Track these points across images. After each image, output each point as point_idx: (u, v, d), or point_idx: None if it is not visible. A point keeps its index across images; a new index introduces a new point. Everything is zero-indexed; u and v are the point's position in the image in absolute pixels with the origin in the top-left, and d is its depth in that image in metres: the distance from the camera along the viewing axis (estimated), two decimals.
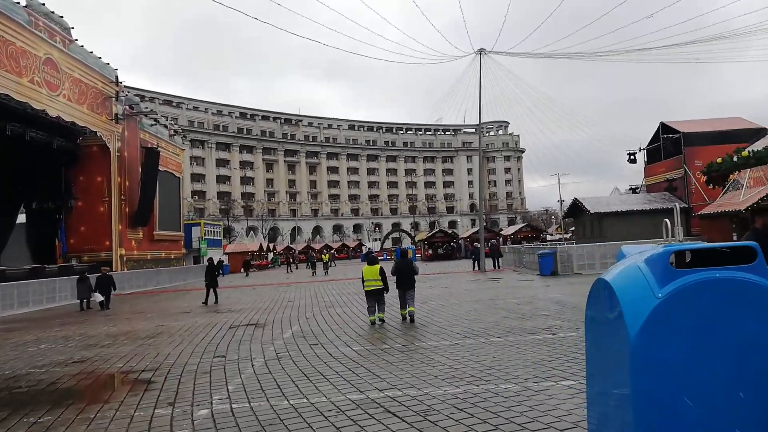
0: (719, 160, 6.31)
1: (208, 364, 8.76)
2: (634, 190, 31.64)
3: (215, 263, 21.82)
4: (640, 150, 31.51)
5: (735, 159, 5.73)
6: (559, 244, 36.63)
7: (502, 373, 6.90)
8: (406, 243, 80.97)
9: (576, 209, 29.05)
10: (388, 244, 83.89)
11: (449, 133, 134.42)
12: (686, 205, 26.67)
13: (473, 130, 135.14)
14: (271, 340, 10.93)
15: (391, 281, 12.37)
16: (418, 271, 13.24)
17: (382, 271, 12.29)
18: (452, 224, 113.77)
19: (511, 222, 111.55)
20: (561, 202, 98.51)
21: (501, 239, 29.31)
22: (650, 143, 31.03)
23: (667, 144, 28.13)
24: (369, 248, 49.93)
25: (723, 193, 24.79)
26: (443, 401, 5.84)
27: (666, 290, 3.06)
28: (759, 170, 24.41)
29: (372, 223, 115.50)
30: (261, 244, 62.48)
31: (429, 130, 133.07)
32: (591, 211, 26.96)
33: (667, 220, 3.63)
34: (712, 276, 3.05)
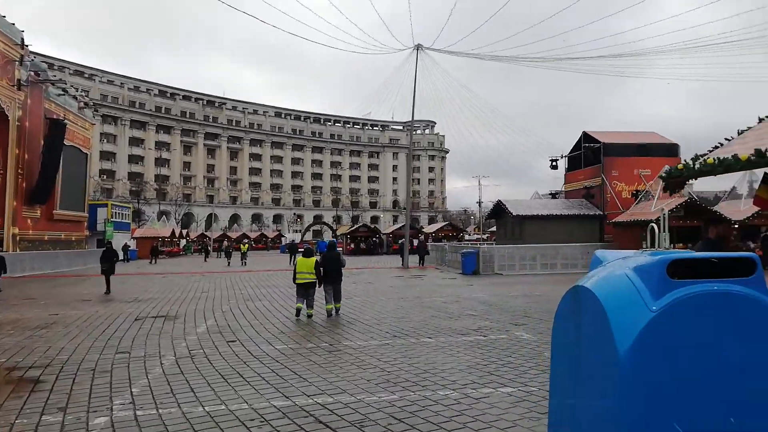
0: (680, 166, 6.22)
1: (109, 362, 7.76)
2: (553, 195, 32.85)
3: (114, 248, 19.90)
4: (561, 157, 32.70)
5: (696, 166, 5.71)
6: (480, 244, 37.41)
7: (438, 377, 6.52)
8: (328, 236, 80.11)
9: (499, 211, 29.66)
10: (309, 236, 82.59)
11: (377, 128, 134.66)
12: (601, 213, 27.90)
13: (401, 128, 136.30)
14: (183, 334, 9.99)
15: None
16: (345, 263, 12.89)
17: (317, 265, 11.96)
18: (375, 219, 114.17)
19: (432, 220, 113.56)
20: (480, 203, 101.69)
21: (422, 237, 29.51)
22: (572, 151, 32.27)
23: (587, 153, 29.34)
24: (293, 240, 48.70)
25: (636, 203, 26.20)
26: (379, 410, 5.35)
27: (661, 303, 2.71)
28: (655, 185, 25.98)
29: (294, 214, 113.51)
30: (173, 230, 59.27)
31: (357, 124, 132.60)
32: (513, 214, 27.58)
33: (654, 225, 3.32)
34: (709, 289, 2.74)
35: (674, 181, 5.14)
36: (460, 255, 24.66)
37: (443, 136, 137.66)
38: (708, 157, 4.52)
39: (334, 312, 11.96)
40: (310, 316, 11.79)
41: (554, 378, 3.45)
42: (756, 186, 27.19)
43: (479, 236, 72.27)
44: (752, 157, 4.52)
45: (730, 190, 27.80)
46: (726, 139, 5.38)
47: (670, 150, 29.05)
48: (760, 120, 5.26)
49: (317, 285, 12.03)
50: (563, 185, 33.02)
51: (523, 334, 9.23)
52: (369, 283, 20.21)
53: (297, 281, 11.95)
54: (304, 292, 11.89)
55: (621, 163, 28.55)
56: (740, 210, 24.16)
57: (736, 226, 23.87)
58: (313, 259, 12.28)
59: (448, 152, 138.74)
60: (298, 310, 11.90)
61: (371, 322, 10.92)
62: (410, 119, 31.40)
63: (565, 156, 32.80)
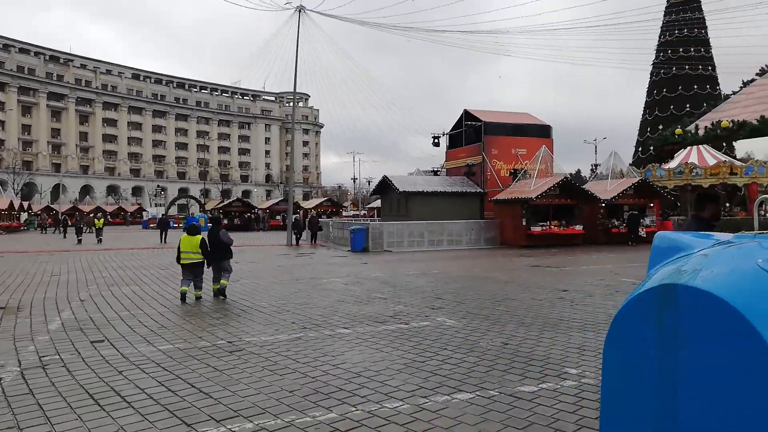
0: (678, 131, 5.60)
1: None
2: (435, 173, 33.15)
3: None
4: (443, 134, 32.92)
5: (701, 132, 5.19)
6: (363, 220, 36.80)
7: (376, 383, 5.43)
8: (195, 210, 74.94)
9: (385, 186, 29.12)
10: (174, 210, 76.65)
11: (248, 98, 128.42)
12: (482, 190, 28.49)
13: (273, 98, 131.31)
14: (29, 333, 7.86)
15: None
16: (233, 241, 11.41)
17: (203, 243, 10.65)
18: (246, 194, 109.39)
19: (306, 196, 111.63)
20: (355, 179, 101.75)
21: (314, 212, 28.06)
22: (453, 129, 32.58)
23: (469, 131, 29.72)
24: (163, 214, 44.35)
25: (515, 181, 27.04)
26: None
27: None
28: (543, 162, 27.14)
29: (157, 186, 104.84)
30: (12, 202, 51.30)
31: (226, 92, 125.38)
32: (399, 190, 27.18)
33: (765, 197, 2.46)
34: None
35: (668, 149, 4.50)
36: (348, 231, 23.70)
37: (317, 110, 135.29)
38: (723, 120, 3.85)
39: (219, 291, 10.90)
40: (198, 298, 10.60)
41: (617, 406, 2.48)
42: (619, 166, 29.44)
43: (355, 212, 72.27)
44: None
45: (595, 171, 29.79)
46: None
47: (543, 131, 30.41)
48: (744, 84, 4.78)
49: (205, 265, 10.81)
50: (444, 162, 33.37)
51: (446, 320, 8.46)
52: (254, 263, 18.50)
53: (182, 262, 10.72)
54: (190, 273, 10.67)
55: (500, 142, 29.32)
56: (606, 190, 25.94)
57: (603, 205, 25.62)
58: (199, 237, 10.81)
59: (322, 126, 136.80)
60: (183, 294, 10.56)
61: (271, 311, 9.51)
62: (290, 89, 29.61)
63: (447, 134, 33.09)
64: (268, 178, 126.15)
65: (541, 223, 24.70)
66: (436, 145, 32.75)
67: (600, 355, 6.33)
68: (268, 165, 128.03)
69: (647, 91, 56.94)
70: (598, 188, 25.98)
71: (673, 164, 34.04)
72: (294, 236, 26.67)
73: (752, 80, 4.75)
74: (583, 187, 25.97)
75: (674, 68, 53.73)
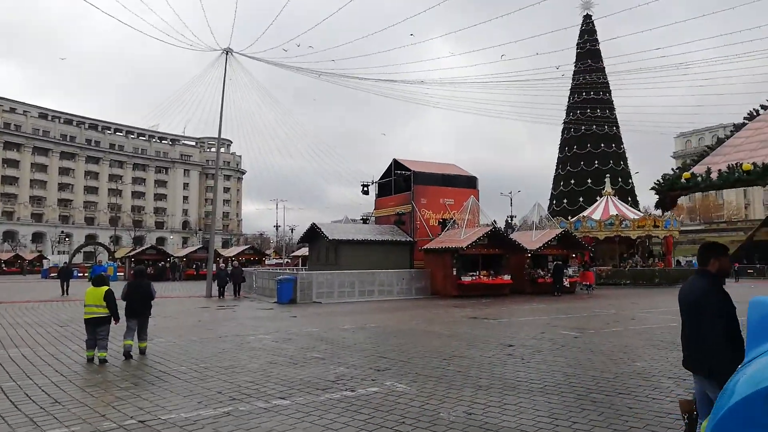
0: (687, 175, 5.10)
1: None
2: (364, 221, 32.62)
3: None
4: (372, 183, 32.65)
5: (713, 176, 4.79)
6: (288, 269, 35.32)
7: None
8: (104, 258, 69.64)
9: (313, 234, 28.14)
10: (80, 258, 70.86)
11: (166, 141, 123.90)
12: (412, 239, 28.18)
13: (194, 143, 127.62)
14: None
15: (121, 308, 9.59)
16: (156, 294, 10.22)
17: (108, 295, 9.29)
18: (161, 241, 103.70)
19: (226, 243, 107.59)
20: (277, 227, 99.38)
21: (237, 262, 26.23)
22: (382, 177, 32.43)
23: (399, 180, 29.61)
24: (65, 263, 40.33)
25: (445, 231, 26.96)
26: None
27: None
28: (471, 212, 27.35)
29: (61, 232, 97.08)
30: None
31: (143, 135, 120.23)
32: (329, 237, 26.29)
33: None
34: None
35: (673, 195, 4.07)
36: (275, 282, 22.36)
37: (240, 156, 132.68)
38: (744, 163, 3.46)
39: (138, 353, 9.78)
40: (103, 361, 9.23)
41: None
42: (545, 218, 30.27)
43: (278, 260, 70.02)
44: None
45: (522, 221, 30.48)
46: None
47: (470, 182, 30.91)
48: (736, 128, 4.52)
49: (112, 321, 9.53)
50: (374, 211, 33.01)
51: (396, 384, 7.59)
52: (170, 318, 16.75)
53: (84, 316, 9.47)
54: (92, 330, 9.33)
55: (429, 191, 29.41)
56: (532, 240, 26.43)
57: (529, 255, 26.01)
58: (105, 288, 9.48)
59: (244, 173, 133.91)
60: (90, 359, 9.29)
61: (192, 377, 8.23)
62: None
63: (376, 182, 32.87)
64: (185, 224, 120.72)
65: (471, 273, 24.59)
66: (366, 193, 32.39)
67: (573, 423, 5.72)
68: (185, 211, 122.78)
69: (559, 148, 60.30)
70: (524, 238, 26.43)
71: (596, 215, 35.65)
72: (217, 288, 24.80)
73: (743, 124, 4.54)
74: (510, 237, 26.29)
75: (583, 127, 57.41)
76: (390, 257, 27.17)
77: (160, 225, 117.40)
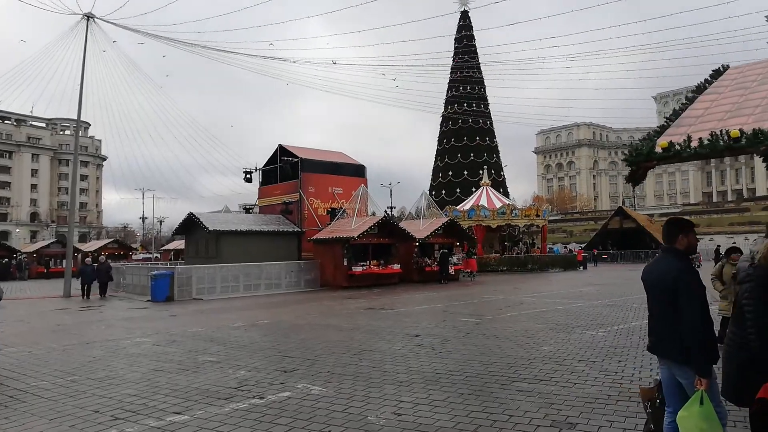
0: (663, 143, 4.57)
1: None
2: (247, 210, 30.86)
3: None
4: (256, 170, 31.01)
5: (694, 145, 4.44)
6: (160, 264, 32.56)
7: None
8: None
9: (191, 225, 26.02)
10: None
11: (9, 122, 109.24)
12: (300, 229, 27.21)
13: (44, 125, 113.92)
14: None
15: None
16: (2, 295, 8.48)
17: None
18: (4, 235, 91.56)
19: (84, 237, 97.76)
20: (144, 219, 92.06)
21: (103, 257, 22.79)
22: (267, 164, 30.93)
23: (285, 167, 28.37)
24: None
25: (335, 220, 26.31)
26: None
27: None
28: (360, 203, 27.00)
29: None
30: None
31: None
32: (209, 229, 24.44)
33: None
34: None
35: (647, 166, 3.76)
36: (148, 278, 20.24)
37: (99, 140, 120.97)
38: (732, 129, 3.21)
39: None
40: None
41: None
42: (430, 206, 30.74)
43: (146, 255, 64.96)
44: None
45: (401, 211, 30.68)
46: (667, 119, 4.33)
47: (359, 170, 30.57)
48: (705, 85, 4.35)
49: None
50: (257, 200, 31.38)
51: (310, 387, 6.83)
52: (22, 322, 14.33)
53: None
54: None
55: (317, 179, 28.57)
56: (420, 229, 26.71)
57: (417, 244, 26.25)
58: None
59: (105, 159, 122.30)
60: None
61: (57, 393, 6.80)
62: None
63: (260, 169, 31.30)
64: (34, 216, 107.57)
65: (361, 263, 24.24)
66: (249, 180, 30.67)
67: (510, 417, 5.39)
68: (34, 201, 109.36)
69: (438, 140, 62.29)
70: (412, 227, 26.60)
71: (466, 206, 37.06)
72: (81, 286, 21.82)
73: (694, 97, 4.42)
74: (400, 225, 26.31)
75: (460, 120, 59.74)
76: (277, 248, 25.97)
77: (2, 217, 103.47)
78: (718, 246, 35.11)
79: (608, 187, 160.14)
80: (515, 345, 9.37)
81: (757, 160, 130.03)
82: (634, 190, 79.95)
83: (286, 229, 27.05)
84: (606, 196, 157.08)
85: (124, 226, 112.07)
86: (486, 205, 36.43)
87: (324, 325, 12.46)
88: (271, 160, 30.55)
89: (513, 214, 35.70)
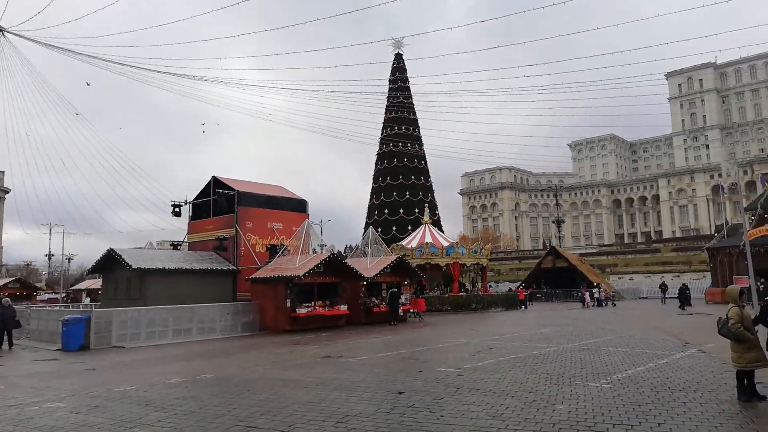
0: None
1: None
2: (175, 247, 28.09)
3: None
4: (186, 203, 28.48)
5: None
6: (71, 306, 28.89)
7: None
8: None
9: (110, 262, 23.12)
10: None
11: None
12: (236, 268, 24.94)
13: None
14: None
15: None
16: None
17: None
18: None
19: None
20: (51, 256, 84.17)
21: (6, 300, 19.13)
22: (198, 197, 28.53)
23: (221, 200, 26.14)
24: None
25: (276, 257, 24.26)
26: None
27: None
28: (295, 240, 25.17)
29: None
30: None
31: None
32: (132, 266, 21.74)
33: None
34: None
35: None
36: (59, 323, 17.29)
37: (2, 171, 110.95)
38: None
39: None
40: None
41: None
42: (377, 243, 29.32)
43: (51, 295, 59.02)
44: None
45: (355, 248, 29.14)
46: None
47: (300, 205, 28.89)
48: None
49: None
50: (187, 235, 28.72)
51: None
52: None
53: None
54: None
55: (255, 214, 26.56)
56: (367, 267, 25.20)
57: (365, 283, 24.69)
58: None
59: (8, 192, 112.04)
60: None
61: None
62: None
63: (191, 202, 28.81)
64: None
65: (306, 304, 22.33)
66: (177, 214, 28.11)
67: None
68: None
69: (373, 178, 61.70)
70: (359, 265, 25.04)
71: (413, 243, 36.10)
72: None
73: None
74: (347, 263, 24.66)
75: (395, 159, 59.54)
76: (209, 289, 23.55)
77: None
78: (663, 281, 36.01)
79: (529, 228, 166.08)
80: (522, 404, 8.03)
81: (663, 205, 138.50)
82: (559, 230, 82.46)
83: (220, 267, 24.69)
84: (528, 237, 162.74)
85: (27, 264, 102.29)
86: (434, 243, 35.62)
87: (282, 381, 10.58)
88: (203, 193, 28.22)
89: (460, 252, 35.08)
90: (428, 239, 35.82)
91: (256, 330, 21.72)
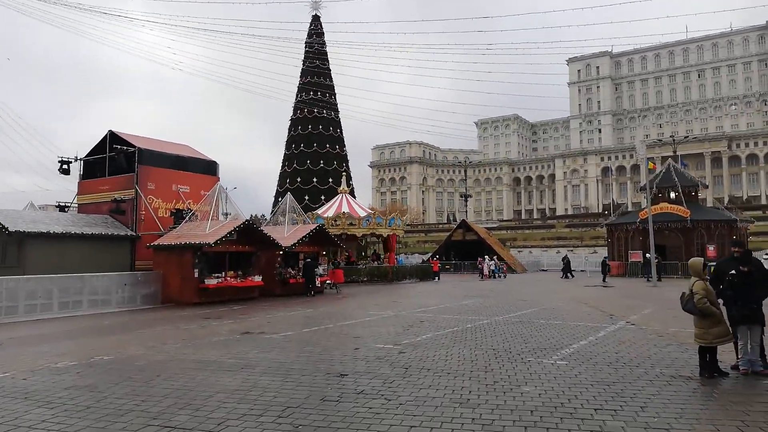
0: None
1: None
2: (62, 208, 24.65)
3: None
4: (76, 159, 25.11)
5: None
6: None
7: None
8: None
9: None
10: None
11: None
12: (135, 233, 22.38)
13: None
14: None
15: None
16: None
17: None
18: None
19: None
20: None
21: None
22: (91, 153, 25.27)
23: (119, 158, 23.18)
24: None
25: (183, 222, 21.96)
26: None
27: None
28: (205, 205, 23.08)
29: None
30: None
31: None
32: (10, 230, 18.71)
33: None
34: None
35: None
36: None
37: None
38: None
39: None
40: None
41: None
42: (295, 211, 27.64)
43: None
44: None
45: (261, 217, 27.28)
46: None
47: (210, 167, 26.51)
48: None
49: None
50: (77, 196, 25.38)
51: None
52: None
53: None
54: None
55: (158, 175, 23.95)
56: (285, 236, 23.63)
57: (281, 253, 23.15)
58: None
59: None
60: None
61: None
62: None
63: (83, 159, 25.47)
64: None
65: (216, 275, 20.47)
66: (65, 172, 24.77)
67: None
68: None
69: (286, 144, 59.14)
70: (275, 234, 23.38)
71: (329, 213, 34.78)
72: None
73: None
74: (263, 231, 22.84)
75: (310, 126, 57.40)
76: (103, 256, 20.97)
77: None
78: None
79: (435, 202, 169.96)
80: (485, 386, 7.22)
81: (558, 184, 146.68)
82: (466, 204, 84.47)
83: (116, 233, 22.02)
84: (433, 211, 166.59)
85: None
86: (351, 213, 34.46)
87: (199, 363, 9.08)
88: (98, 149, 25.00)
89: (377, 222, 34.29)
90: (345, 209, 34.64)
91: (158, 303, 19.57)
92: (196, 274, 19.73)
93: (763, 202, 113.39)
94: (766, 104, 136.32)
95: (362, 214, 35.18)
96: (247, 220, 21.87)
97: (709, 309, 7.38)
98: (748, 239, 44.51)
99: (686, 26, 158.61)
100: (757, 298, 7.52)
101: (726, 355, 8.12)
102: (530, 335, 11.69)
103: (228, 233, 19.89)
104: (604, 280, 32.10)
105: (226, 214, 23.51)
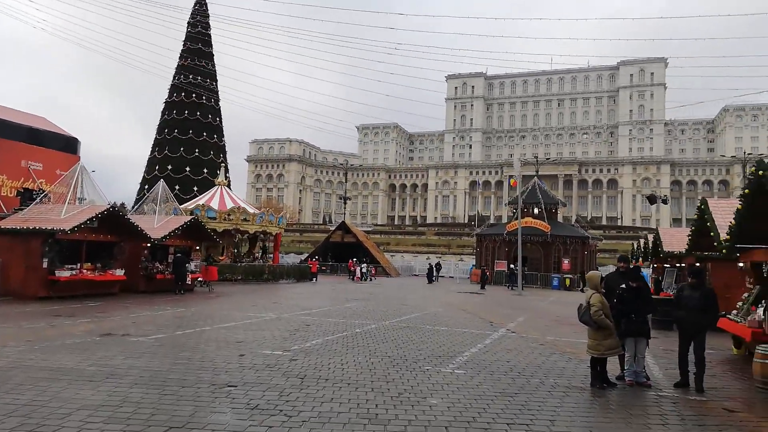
0: None
1: None
2: None
3: None
4: None
5: None
6: None
7: None
8: None
9: None
10: None
11: None
12: None
13: None
14: None
15: None
16: None
17: None
18: None
19: None
20: None
21: None
22: None
23: None
24: None
25: (33, 204, 19.00)
26: None
27: None
28: (61, 186, 20.40)
29: None
30: None
31: None
32: None
33: None
34: None
35: None
36: None
37: None
38: None
39: None
40: None
41: None
42: (168, 201, 25.31)
43: None
44: None
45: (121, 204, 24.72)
46: None
47: (69, 144, 23.47)
48: None
49: None
50: None
51: None
52: None
53: None
54: None
55: (6, 147, 20.63)
56: (155, 227, 21.48)
57: (148, 245, 21.01)
58: None
59: None
60: None
61: None
62: None
63: None
64: None
65: (70, 266, 18.00)
66: None
67: None
68: None
69: (158, 129, 54.85)
70: (144, 224, 21.15)
71: (190, 205, 32.52)
72: None
73: None
74: (130, 220, 20.50)
75: (186, 112, 53.80)
76: None
77: None
78: (438, 262, 38.71)
79: (312, 203, 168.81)
80: (389, 398, 6.79)
81: (430, 194, 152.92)
82: (345, 206, 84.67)
83: None
84: (310, 211, 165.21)
85: None
86: (215, 207, 32.38)
87: (53, 371, 7.61)
88: None
89: (270, 220, 32.68)
90: (213, 203, 32.65)
91: None
92: (45, 264, 17.16)
93: (604, 222, 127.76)
94: (612, 135, 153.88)
95: (251, 210, 33.42)
96: (111, 206, 19.50)
97: (604, 321, 7.64)
98: (596, 255, 49.48)
99: (551, 58, 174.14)
100: (645, 312, 7.96)
101: (611, 366, 8.51)
102: (421, 341, 11.55)
103: (88, 219, 17.56)
104: (482, 287, 33.61)
105: (81, 199, 20.85)
